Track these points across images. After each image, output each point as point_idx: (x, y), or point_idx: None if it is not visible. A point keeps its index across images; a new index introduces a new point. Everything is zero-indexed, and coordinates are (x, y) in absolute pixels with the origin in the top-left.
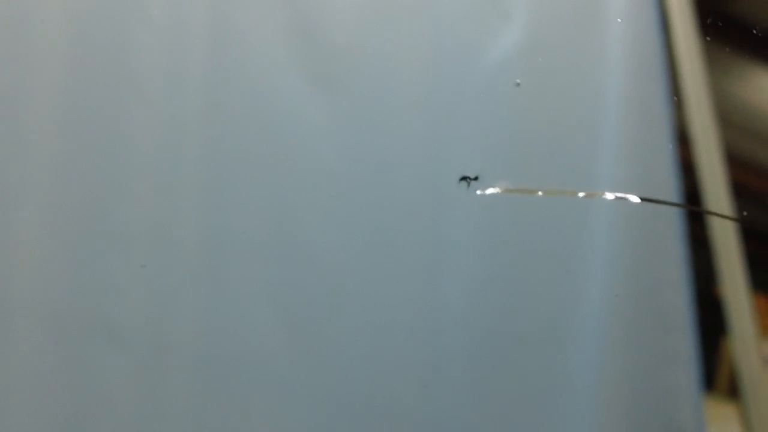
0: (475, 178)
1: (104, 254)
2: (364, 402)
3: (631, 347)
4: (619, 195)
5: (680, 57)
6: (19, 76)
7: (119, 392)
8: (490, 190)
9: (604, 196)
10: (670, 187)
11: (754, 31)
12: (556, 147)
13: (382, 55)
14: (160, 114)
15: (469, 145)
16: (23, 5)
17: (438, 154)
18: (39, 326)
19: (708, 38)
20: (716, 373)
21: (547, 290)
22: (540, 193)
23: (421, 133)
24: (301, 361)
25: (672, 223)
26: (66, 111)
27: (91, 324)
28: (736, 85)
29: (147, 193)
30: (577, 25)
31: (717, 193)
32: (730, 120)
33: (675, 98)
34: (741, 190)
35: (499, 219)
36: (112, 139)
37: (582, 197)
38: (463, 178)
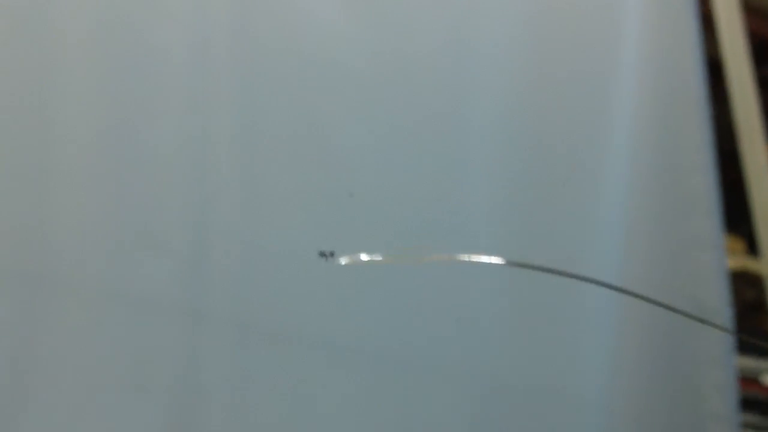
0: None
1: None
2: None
3: (657, 229)
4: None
5: None
6: (48, 53)
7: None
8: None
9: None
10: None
11: None
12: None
13: None
14: (186, 24)
15: (488, 34)
16: None
17: (457, 47)
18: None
19: None
20: None
21: (572, 170)
22: None
23: (439, 26)
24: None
25: (696, 101)
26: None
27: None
28: None
29: (176, 101)
30: None
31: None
32: None
33: None
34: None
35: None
36: (141, 48)
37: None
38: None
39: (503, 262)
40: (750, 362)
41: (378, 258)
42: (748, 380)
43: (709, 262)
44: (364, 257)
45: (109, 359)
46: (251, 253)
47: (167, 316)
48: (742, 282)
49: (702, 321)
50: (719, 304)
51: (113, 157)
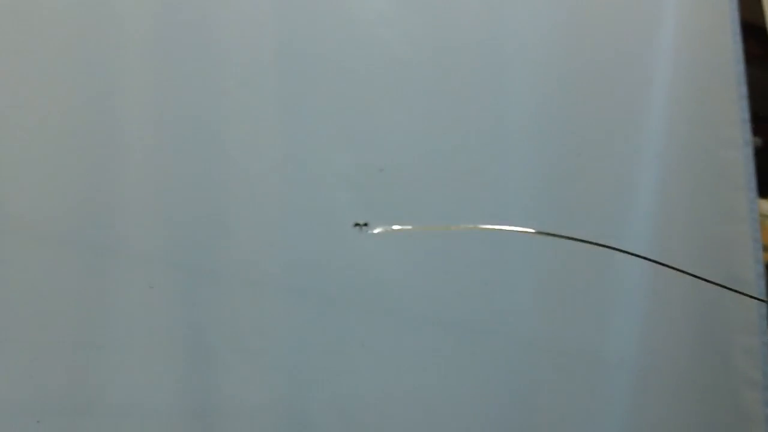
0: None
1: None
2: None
3: (692, 200)
4: None
5: None
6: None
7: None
8: None
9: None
10: None
11: None
12: None
13: None
14: (241, 20)
15: (529, 25)
16: None
17: (498, 36)
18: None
19: None
20: None
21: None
22: None
23: (483, 12)
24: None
25: (732, 74)
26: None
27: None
28: None
29: (227, 83)
30: None
31: None
32: None
33: None
34: None
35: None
36: (201, 44)
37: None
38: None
39: (533, 231)
40: None
41: (407, 227)
42: None
43: (742, 233)
44: (395, 227)
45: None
46: (294, 222)
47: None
48: None
49: (735, 291)
50: (752, 274)
51: (172, 135)
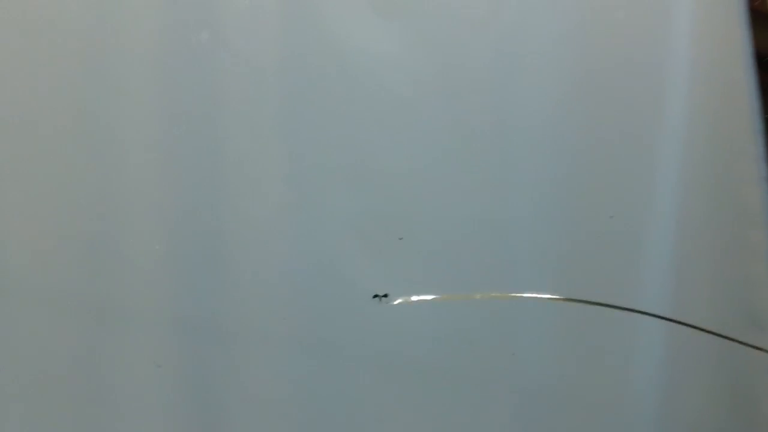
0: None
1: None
2: None
3: (710, 242)
4: None
5: None
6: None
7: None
8: None
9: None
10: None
11: None
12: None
13: None
14: (238, 56)
15: (538, 63)
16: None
17: (508, 75)
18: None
19: None
20: None
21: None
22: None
23: (490, 54)
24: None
25: (748, 108)
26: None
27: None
28: None
29: (227, 121)
30: None
31: None
32: None
33: None
34: None
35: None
36: (199, 72)
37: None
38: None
39: (560, 298)
40: None
41: (428, 297)
42: None
43: (763, 273)
44: (414, 298)
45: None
46: (307, 289)
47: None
48: None
49: (757, 348)
50: None
51: (183, 174)
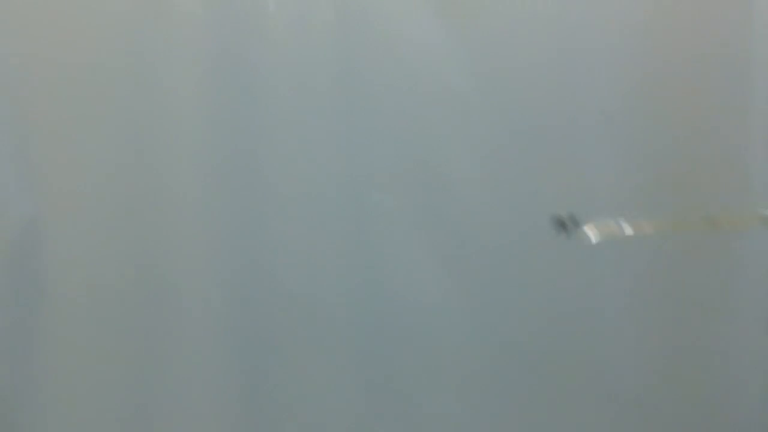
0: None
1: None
2: None
3: None
4: None
5: None
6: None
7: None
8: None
9: None
10: None
11: None
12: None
13: None
14: (293, 59)
15: (601, 70)
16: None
17: (570, 78)
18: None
19: None
20: None
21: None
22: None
23: (553, 57)
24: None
25: None
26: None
27: None
28: None
29: (284, 136)
30: None
31: None
32: None
33: None
34: None
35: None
36: (248, 80)
37: None
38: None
39: None
40: None
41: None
42: None
43: None
44: (608, 225)
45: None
46: (364, 287)
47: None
48: None
49: None
50: None
51: (233, 197)
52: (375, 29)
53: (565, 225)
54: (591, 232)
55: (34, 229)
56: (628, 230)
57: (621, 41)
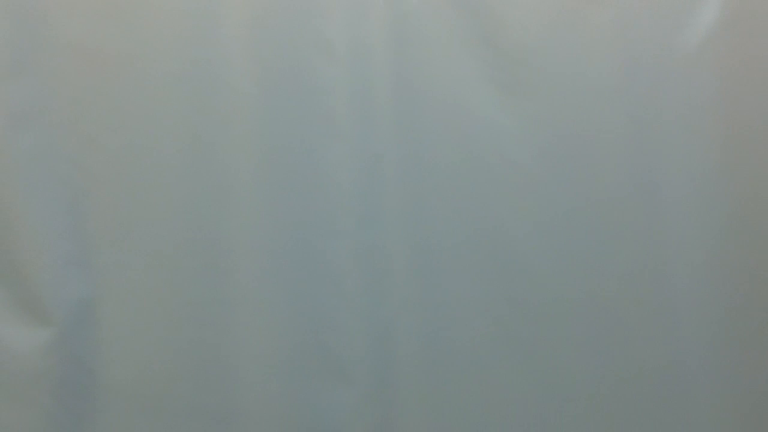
0: None
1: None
2: None
3: None
4: None
5: None
6: (213, 120)
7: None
8: None
9: None
10: None
11: None
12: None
13: (571, 55)
14: (353, 139)
15: (671, 143)
16: (210, 49)
17: (638, 152)
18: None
19: None
20: None
21: None
22: None
23: (618, 131)
24: (517, 370)
25: None
26: (262, 152)
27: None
28: None
29: (349, 218)
30: None
31: None
32: None
33: None
34: None
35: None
36: (311, 170)
37: None
38: None
39: None
40: None
41: None
42: None
43: None
44: None
45: None
46: (436, 377)
47: None
48: None
49: None
50: None
51: (289, 275)
52: (435, 102)
53: None
54: None
55: (89, 310)
56: None
57: (689, 112)
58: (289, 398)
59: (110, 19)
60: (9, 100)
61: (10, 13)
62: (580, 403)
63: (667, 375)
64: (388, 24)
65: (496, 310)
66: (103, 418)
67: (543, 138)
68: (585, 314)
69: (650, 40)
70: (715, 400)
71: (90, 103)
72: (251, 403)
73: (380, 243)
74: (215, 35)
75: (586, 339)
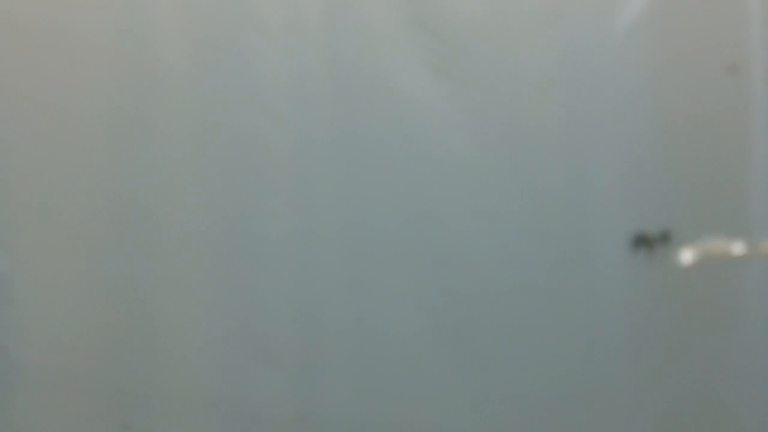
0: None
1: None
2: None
3: None
4: None
5: None
6: (146, 94)
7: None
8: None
9: None
10: None
11: None
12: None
13: (508, 41)
14: (287, 119)
15: (606, 125)
16: (145, 22)
17: (574, 138)
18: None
19: None
20: None
21: None
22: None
23: (554, 117)
24: (448, 359)
25: None
26: (193, 129)
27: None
28: None
29: (282, 200)
30: None
31: None
32: None
33: None
34: None
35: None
36: (243, 148)
37: None
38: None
39: None
40: None
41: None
42: None
43: None
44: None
45: None
46: (364, 361)
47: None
48: None
49: None
50: None
51: (215, 256)
52: (370, 83)
53: (651, 242)
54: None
55: (4, 287)
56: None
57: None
58: (213, 380)
59: None
60: None
61: None
62: (507, 390)
63: (590, 363)
64: (324, 3)
65: (425, 297)
66: (17, 397)
67: (477, 124)
68: (516, 303)
69: (583, 27)
70: (636, 394)
71: (12, 74)
72: (174, 385)
73: (311, 225)
74: (147, 10)
75: (515, 328)
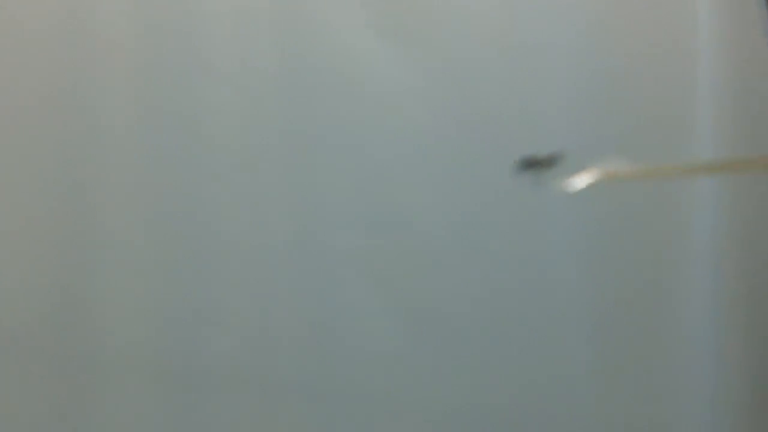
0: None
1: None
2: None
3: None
4: None
5: None
6: (90, 71)
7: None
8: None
9: None
10: None
11: None
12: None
13: (456, 3)
14: (236, 88)
15: (552, 91)
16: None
17: (522, 103)
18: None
19: None
20: None
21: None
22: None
23: (502, 83)
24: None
25: None
26: (140, 103)
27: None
28: None
29: (227, 163)
30: None
31: None
32: None
33: None
34: None
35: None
36: (188, 113)
37: None
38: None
39: None
40: None
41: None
42: None
43: None
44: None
45: None
46: (313, 321)
47: (231, 391)
48: None
49: None
50: None
51: (159, 218)
52: (317, 44)
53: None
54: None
55: None
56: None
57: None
58: (159, 344)
59: None
60: None
61: None
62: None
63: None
64: None
65: (376, 266)
66: None
67: (428, 88)
68: (471, 277)
69: None
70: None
71: None
72: (120, 349)
73: (259, 190)
74: None
75: (462, 297)
